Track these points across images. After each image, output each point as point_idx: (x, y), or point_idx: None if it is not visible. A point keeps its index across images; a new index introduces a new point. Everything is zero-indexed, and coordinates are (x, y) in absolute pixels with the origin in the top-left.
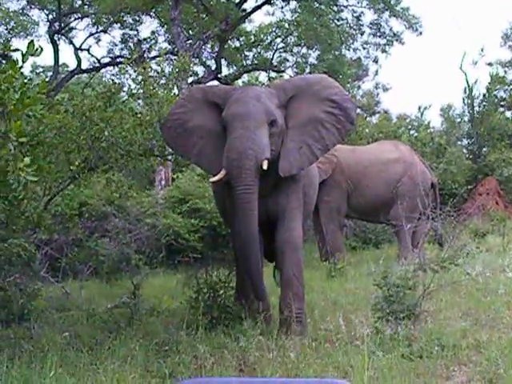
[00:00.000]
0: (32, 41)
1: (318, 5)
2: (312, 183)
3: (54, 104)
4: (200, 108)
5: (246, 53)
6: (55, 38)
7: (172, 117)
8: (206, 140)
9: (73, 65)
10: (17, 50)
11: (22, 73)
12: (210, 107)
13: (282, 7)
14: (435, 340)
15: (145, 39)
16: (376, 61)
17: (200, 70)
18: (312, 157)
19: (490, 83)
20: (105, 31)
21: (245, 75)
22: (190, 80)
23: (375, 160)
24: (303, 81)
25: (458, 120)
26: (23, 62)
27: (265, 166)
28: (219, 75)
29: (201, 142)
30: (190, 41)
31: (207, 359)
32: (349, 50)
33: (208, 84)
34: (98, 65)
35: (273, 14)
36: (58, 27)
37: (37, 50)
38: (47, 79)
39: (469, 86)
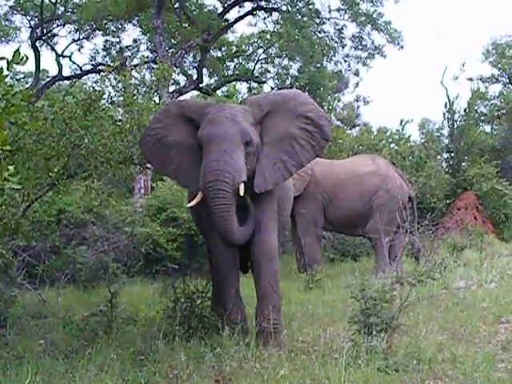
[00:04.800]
0: (18, 49)
1: (300, 17)
2: (286, 196)
3: (34, 111)
4: (176, 123)
5: (228, 63)
6: (37, 44)
7: (150, 131)
8: (182, 155)
9: (54, 71)
10: (3, 58)
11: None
12: (185, 123)
13: (265, 18)
14: (411, 354)
15: (127, 47)
16: (357, 74)
17: (182, 79)
18: (286, 173)
19: (470, 98)
20: (87, 38)
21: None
22: (171, 89)
23: (351, 173)
24: (278, 96)
25: (437, 134)
26: (8, 70)
27: (241, 192)
28: (200, 85)
29: (178, 157)
30: (171, 50)
31: (184, 369)
32: (330, 62)
33: (189, 94)
34: (79, 72)
35: (255, 25)
36: (40, 33)
37: (22, 58)
38: (28, 85)
39: (449, 100)
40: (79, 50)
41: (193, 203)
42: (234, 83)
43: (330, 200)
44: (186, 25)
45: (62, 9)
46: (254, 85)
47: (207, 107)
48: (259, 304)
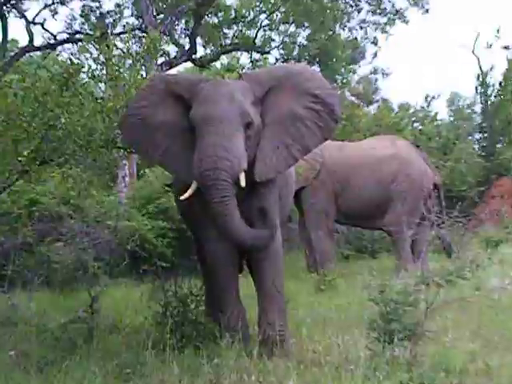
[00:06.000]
0: None
1: None
2: (287, 183)
3: (1, 87)
4: (163, 101)
5: (226, 30)
6: (3, 10)
7: (132, 111)
8: (171, 138)
9: (24, 41)
10: None
11: None
12: (174, 100)
13: None
14: (439, 364)
15: (108, 13)
16: (375, 42)
17: (172, 49)
18: (290, 159)
19: (507, 70)
20: (62, 3)
21: (223, 56)
22: (160, 61)
23: (367, 157)
24: (281, 71)
25: (468, 111)
26: None
27: (242, 183)
28: (194, 56)
29: (165, 140)
30: (160, 16)
31: (177, 383)
32: (344, 29)
33: (180, 67)
34: (53, 41)
35: None
36: None
37: None
38: None
39: (482, 72)
40: (53, 16)
41: (186, 195)
42: (234, 54)
43: (342, 188)
44: None
45: None
46: (256, 56)
47: (200, 83)
48: (262, 308)
